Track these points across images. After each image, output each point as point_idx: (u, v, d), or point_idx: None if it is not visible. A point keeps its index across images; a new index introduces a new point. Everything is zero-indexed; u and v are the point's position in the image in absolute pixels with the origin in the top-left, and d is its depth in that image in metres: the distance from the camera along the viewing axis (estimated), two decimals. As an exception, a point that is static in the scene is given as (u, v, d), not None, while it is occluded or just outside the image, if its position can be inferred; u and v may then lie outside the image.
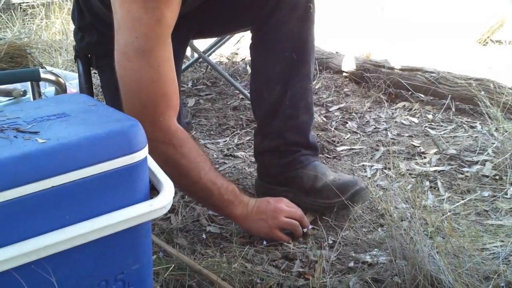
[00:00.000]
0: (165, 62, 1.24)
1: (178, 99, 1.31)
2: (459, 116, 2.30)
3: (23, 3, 3.51)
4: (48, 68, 2.14)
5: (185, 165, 1.32)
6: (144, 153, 0.98)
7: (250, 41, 1.64)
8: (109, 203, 0.93)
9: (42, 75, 1.68)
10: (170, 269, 1.29)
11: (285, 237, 1.46)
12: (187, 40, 1.70)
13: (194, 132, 2.16)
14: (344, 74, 2.74)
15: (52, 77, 1.73)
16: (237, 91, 2.50)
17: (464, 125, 2.22)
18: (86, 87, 1.68)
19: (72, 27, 3.22)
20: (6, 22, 3.06)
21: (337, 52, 2.95)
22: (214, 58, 2.97)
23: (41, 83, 1.76)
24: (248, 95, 2.36)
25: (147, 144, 1.00)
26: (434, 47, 3.39)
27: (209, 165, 1.37)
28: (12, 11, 3.23)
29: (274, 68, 1.57)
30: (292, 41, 1.55)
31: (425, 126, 2.22)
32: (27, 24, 3.15)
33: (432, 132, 2.17)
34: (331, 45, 3.08)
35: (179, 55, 1.65)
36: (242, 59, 3.03)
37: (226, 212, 1.44)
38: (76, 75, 2.36)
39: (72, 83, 2.21)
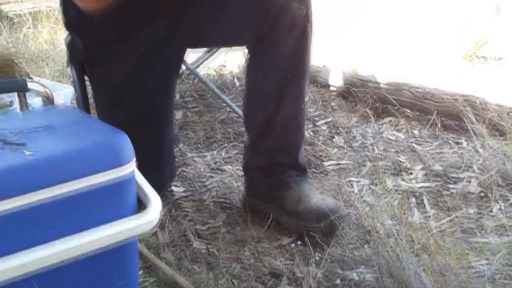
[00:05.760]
0: None
1: None
2: (445, 132, 2.32)
3: (10, 11, 3.49)
4: (35, 78, 2.13)
5: None
6: (132, 166, 0.97)
7: (245, 59, 1.64)
8: (96, 218, 0.92)
9: (29, 86, 1.66)
10: (157, 284, 1.28)
11: None
12: (182, 51, 1.69)
13: (182, 145, 2.15)
14: (331, 88, 2.75)
15: (39, 88, 1.72)
16: (225, 104, 2.50)
17: (449, 141, 2.23)
18: (81, 95, 1.65)
19: (59, 36, 3.22)
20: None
21: (324, 66, 2.96)
22: (201, 70, 2.97)
23: (28, 94, 1.75)
24: (235, 108, 2.37)
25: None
26: (420, 61, 3.41)
27: None
28: (-1, 20, 3.22)
29: (268, 87, 1.57)
30: (288, 61, 1.54)
31: (411, 142, 2.24)
32: (14, 33, 3.13)
33: (418, 148, 2.18)
34: (318, 57, 3.09)
35: (173, 67, 1.65)
36: (230, 72, 3.03)
37: None
38: (63, 85, 2.37)
39: (60, 94, 2.20)
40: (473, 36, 3.67)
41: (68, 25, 1.60)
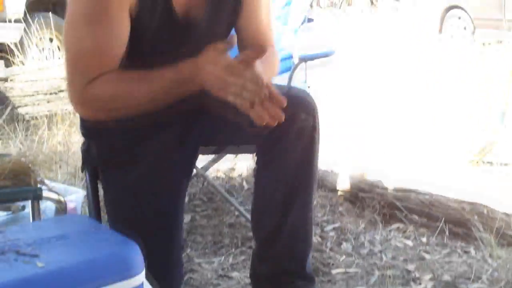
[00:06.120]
0: None
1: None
2: (453, 240, 2.31)
3: (27, 114, 3.61)
4: (48, 182, 2.16)
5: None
6: (141, 278, 0.99)
7: (254, 166, 1.68)
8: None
9: (44, 194, 1.70)
10: None
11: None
12: (194, 156, 1.73)
13: (189, 250, 2.16)
14: (339, 193, 2.78)
15: (53, 196, 1.77)
16: (233, 207, 2.52)
17: (458, 250, 2.22)
18: (93, 200, 1.68)
19: (73, 138, 3.30)
20: (9, 133, 3.14)
21: (332, 170, 3.00)
22: (210, 173, 3.01)
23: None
24: (244, 212, 2.38)
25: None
26: (427, 165, 3.44)
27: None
28: (16, 122, 3.32)
29: (275, 195, 1.59)
30: (296, 169, 1.57)
31: (420, 250, 2.23)
32: (29, 135, 3.22)
33: (427, 256, 2.17)
34: (325, 159, 3.12)
35: (185, 171, 1.69)
36: (239, 175, 3.08)
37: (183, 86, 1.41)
38: (76, 189, 2.40)
39: (72, 197, 2.24)
40: (479, 141, 3.72)
41: (84, 130, 1.66)
